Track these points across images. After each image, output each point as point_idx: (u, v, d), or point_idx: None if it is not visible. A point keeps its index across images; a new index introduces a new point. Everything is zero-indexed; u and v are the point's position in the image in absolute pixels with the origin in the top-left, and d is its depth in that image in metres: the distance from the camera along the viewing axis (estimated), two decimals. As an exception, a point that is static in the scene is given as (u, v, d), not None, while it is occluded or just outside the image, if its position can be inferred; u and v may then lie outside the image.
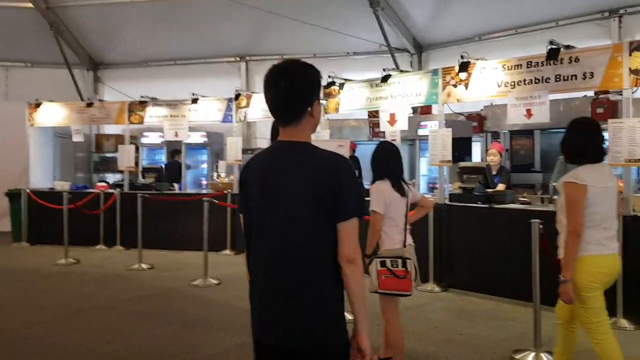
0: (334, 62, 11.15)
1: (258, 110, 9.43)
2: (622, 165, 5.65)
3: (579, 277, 3.34)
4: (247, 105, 9.66)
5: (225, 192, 9.23)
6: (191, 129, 10.79)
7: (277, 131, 2.22)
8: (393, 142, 7.70)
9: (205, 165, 12.10)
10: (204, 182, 11.28)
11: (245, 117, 9.78)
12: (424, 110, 10.17)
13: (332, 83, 8.24)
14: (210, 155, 11.85)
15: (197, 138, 11.61)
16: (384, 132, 7.83)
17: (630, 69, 5.53)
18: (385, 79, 7.64)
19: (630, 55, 5.52)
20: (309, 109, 2.09)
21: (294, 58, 2.25)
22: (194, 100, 9.98)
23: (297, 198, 2.02)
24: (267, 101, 2.13)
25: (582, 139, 3.50)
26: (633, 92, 5.64)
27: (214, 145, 11.78)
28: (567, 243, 3.35)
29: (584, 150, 3.47)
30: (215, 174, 10.33)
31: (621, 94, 6.69)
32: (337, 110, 8.36)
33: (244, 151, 9.60)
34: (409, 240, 3.97)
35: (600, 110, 7.57)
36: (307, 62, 2.14)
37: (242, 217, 2.22)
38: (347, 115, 9.89)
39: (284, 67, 2.10)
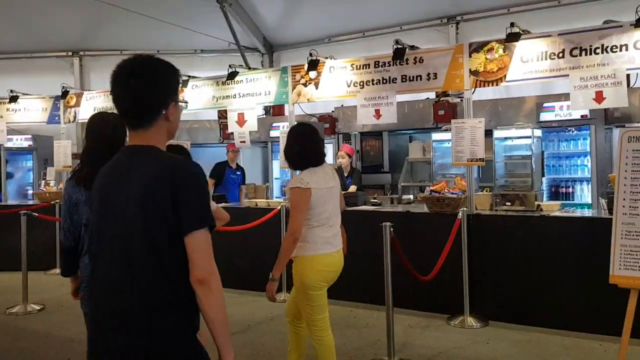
0: (180, 59, 10.44)
1: (90, 109, 8.43)
2: (465, 164, 5.77)
3: (308, 276, 3.43)
4: (78, 104, 8.62)
5: (51, 202, 8.12)
6: (15, 132, 9.43)
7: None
8: (242, 143, 7.31)
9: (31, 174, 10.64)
10: (30, 192, 9.91)
11: (75, 117, 8.71)
12: (276, 111, 9.91)
13: (175, 80, 7.58)
14: (36, 161, 10.43)
15: (21, 142, 10.17)
16: (232, 133, 7.35)
17: (470, 70, 5.66)
18: (231, 76, 7.18)
19: (470, 56, 5.65)
20: (164, 111, 1.88)
21: (145, 53, 1.97)
22: (13, 99, 8.68)
23: (131, 210, 1.78)
24: (114, 101, 1.88)
25: (302, 145, 3.61)
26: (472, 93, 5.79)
27: (42, 150, 10.38)
28: (284, 244, 3.44)
29: (304, 155, 3.57)
30: (42, 183, 9.08)
31: (460, 98, 6.94)
32: (180, 109, 7.71)
33: (75, 156, 8.53)
34: None
35: (442, 112, 7.82)
36: (162, 58, 1.93)
37: None
38: (195, 115, 9.30)
39: (135, 63, 1.87)
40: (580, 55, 5.13)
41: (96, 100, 8.52)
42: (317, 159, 3.59)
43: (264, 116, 10.01)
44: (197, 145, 9.27)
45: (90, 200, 1.94)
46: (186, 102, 7.49)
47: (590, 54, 5.07)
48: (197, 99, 7.60)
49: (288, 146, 3.64)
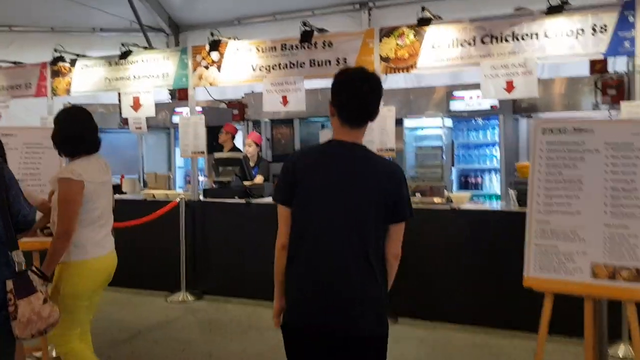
0: (77, 38, 9.64)
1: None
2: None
3: (76, 284, 3.00)
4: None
5: None
6: None
7: None
8: (138, 130, 6.69)
9: None
10: None
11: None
12: (182, 96, 9.24)
13: (61, 59, 6.81)
14: None
15: None
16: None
17: (381, 56, 5.39)
18: (125, 55, 6.52)
19: (380, 41, 5.39)
20: (375, 115, 2.30)
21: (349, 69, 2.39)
22: None
23: (364, 199, 2.20)
24: (343, 103, 2.25)
25: (77, 129, 3.14)
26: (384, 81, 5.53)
27: None
28: (55, 245, 2.94)
29: (79, 141, 3.14)
30: None
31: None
32: (68, 91, 6.96)
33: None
34: None
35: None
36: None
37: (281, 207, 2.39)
38: (94, 98, 8.53)
39: (365, 74, 2.27)
40: (492, 43, 4.99)
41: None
42: (93, 145, 3.18)
43: (170, 101, 9.35)
44: (93, 131, 8.48)
45: (300, 184, 2.28)
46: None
47: (501, 41, 4.94)
48: (87, 81, 6.86)
49: (60, 130, 3.14)
